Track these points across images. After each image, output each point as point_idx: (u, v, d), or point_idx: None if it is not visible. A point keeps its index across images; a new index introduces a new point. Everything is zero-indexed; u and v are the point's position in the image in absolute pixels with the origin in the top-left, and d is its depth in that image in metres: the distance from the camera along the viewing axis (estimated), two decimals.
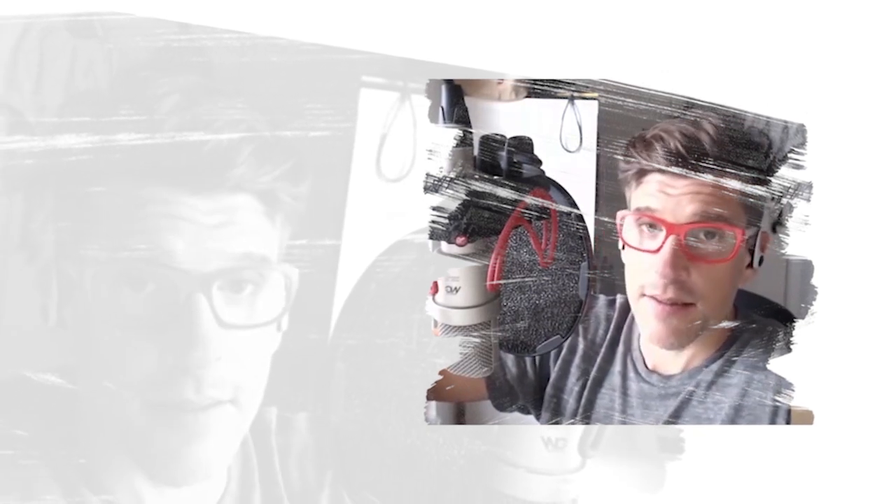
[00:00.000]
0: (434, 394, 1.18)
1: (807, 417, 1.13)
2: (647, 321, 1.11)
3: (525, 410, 1.24)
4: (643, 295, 1.10)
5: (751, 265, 1.11)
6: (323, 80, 1.17)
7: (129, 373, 0.99)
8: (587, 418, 1.19)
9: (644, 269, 1.10)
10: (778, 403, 1.10)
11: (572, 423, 1.20)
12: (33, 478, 1.03)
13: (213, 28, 1.14)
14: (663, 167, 1.08)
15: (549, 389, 1.22)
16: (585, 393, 1.19)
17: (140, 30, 1.12)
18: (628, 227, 1.12)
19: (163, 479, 1.04)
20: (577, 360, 1.21)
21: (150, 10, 1.13)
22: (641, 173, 1.11)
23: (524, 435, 1.23)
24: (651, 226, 1.10)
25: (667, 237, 1.07)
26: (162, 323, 0.98)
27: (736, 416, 1.10)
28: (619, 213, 1.13)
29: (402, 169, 1.23)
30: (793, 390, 1.10)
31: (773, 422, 1.09)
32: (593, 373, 1.20)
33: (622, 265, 1.14)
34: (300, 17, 1.18)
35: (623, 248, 1.14)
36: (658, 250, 1.08)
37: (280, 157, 1.03)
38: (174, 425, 1.00)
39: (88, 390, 1.03)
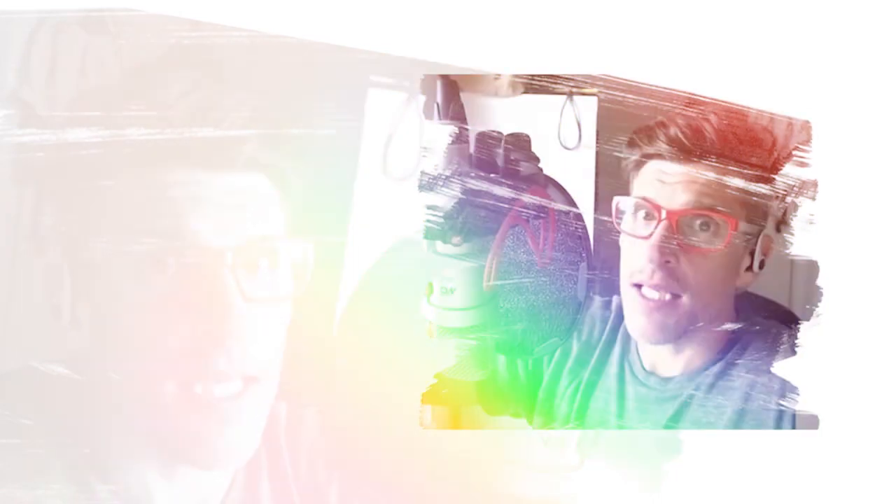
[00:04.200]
0: (429, 398, 1.17)
1: (811, 422, 1.11)
2: (633, 315, 1.11)
3: (517, 415, 1.23)
4: (632, 284, 1.11)
5: (750, 268, 1.11)
6: (331, 79, 1.17)
7: (159, 354, 1.02)
8: (580, 422, 1.19)
9: (635, 256, 1.10)
10: (783, 407, 1.09)
11: (565, 429, 1.19)
12: (68, 467, 1.06)
13: (223, 26, 1.15)
14: (663, 153, 1.08)
15: (540, 393, 1.21)
16: (578, 397, 1.18)
17: (151, 27, 1.14)
18: (624, 214, 1.12)
19: (200, 463, 1.06)
20: (570, 362, 1.20)
21: (161, 8, 1.15)
22: (640, 162, 1.12)
23: (523, 433, 1.23)
24: (646, 214, 1.10)
25: (658, 223, 1.08)
26: (189, 301, 1.01)
27: (739, 421, 1.10)
28: (615, 199, 1.13)
29: (407, 168, 1.23)
30: (797, 394, 1.09)
31: (778, 426, 1.10)
32: (587, 375, 1.19)
33: None
34: (310, 16, 1.19)
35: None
36: (650, 236, 1.08)
37: (286, 139, 1.07)
38: (210, 406, 1.03)
39: (117, 379, 1.05)
